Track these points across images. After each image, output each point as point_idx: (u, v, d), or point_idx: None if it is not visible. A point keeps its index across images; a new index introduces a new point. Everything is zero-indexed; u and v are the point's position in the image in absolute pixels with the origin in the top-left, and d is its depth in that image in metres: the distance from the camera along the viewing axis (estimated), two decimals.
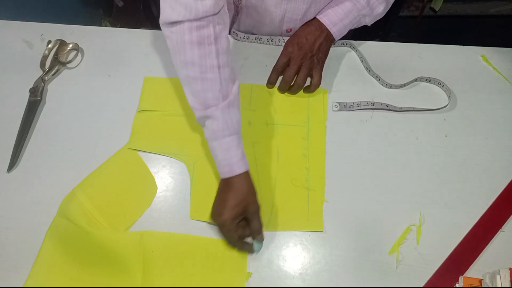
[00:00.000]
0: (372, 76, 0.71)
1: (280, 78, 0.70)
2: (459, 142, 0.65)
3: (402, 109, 0.67)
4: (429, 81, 0.70)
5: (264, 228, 0.58)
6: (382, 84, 0.70)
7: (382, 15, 0.69)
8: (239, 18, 0.74)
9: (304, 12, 0.69)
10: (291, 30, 0.74)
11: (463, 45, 0.74)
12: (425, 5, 1.44)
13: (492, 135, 0.66)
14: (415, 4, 1.55)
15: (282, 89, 0.68)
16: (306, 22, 0.68)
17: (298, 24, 0.73)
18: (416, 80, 0.70)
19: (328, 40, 0.67)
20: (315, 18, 0.67)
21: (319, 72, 0.66)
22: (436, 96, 0.70)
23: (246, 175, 0.56)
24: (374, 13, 0.68)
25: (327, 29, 0.66)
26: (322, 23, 0.66)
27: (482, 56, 0.73)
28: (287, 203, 0.61)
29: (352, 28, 0.69)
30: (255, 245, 0.56)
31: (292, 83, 0.68)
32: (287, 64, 0.67)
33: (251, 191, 0.56)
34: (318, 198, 0.61)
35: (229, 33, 0.78)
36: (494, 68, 0.72)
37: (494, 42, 0.76)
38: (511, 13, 1.47)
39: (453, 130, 0.66)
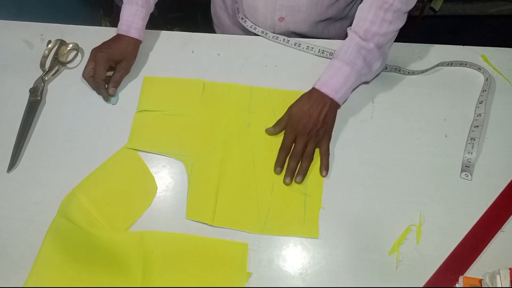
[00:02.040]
0: (391, 71, 0.71)
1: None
2: (459, 142, 0.65)
3: (414, 73, 0.69)
4: (451, 64, 0.71)
5: (259, 232, 0.59)
6: (404, 73, 0.71)
7: (380, 71, 0.69)
8: None
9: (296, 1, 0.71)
10: (283, 19, 0.75)
11: (463, 45, 0.74)
12: (425, 5, 1.44)
13: (492, 135, 0.66)
14: (415, 4, 1.55)
15: (291, 167, 0.62)
16: (306, 94, 0.65)
17: (291, 14, 0.75)
18: (438, 65, 0.71)
19: (333, 108, 0.64)
20: (314, 89, 0.64)
21: (326, 143, 0.64)
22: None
23: (136, 42, 0.71)
24: (372, 71, 0.66)
25: (330, 98, 0.63)
26: (323, 93, 0.63)
27: (482, 56, 0.73)
28: (283, 207, 0.61)
29: (355, 88, 0.68)
30: (110, 98, 0.70)
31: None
32: (293, 142, 0.64)
33: (132, 55, 0.71)
34: (314, 205, 0.61)
35: (238, 19, 0.80)
36: (494, 68, 0.72)
37: (494, 42, 0.76)
38: (511, 13, 1.47)
39: (453, 130, 0.66)
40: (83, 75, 0.69)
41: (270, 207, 0.61)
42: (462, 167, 0.63)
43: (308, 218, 0.60)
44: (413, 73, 0.71)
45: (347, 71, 0.63)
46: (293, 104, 0.65)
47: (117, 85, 0.70)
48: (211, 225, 0.59)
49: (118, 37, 0.71)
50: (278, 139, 0.65)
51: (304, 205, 0.61)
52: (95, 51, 0.69)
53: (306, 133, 0.63)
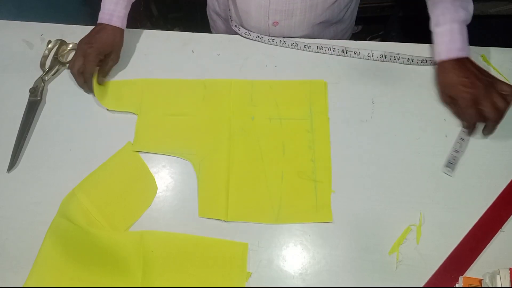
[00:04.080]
0: (389, 61, 0.72)
1: None
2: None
3: (413, 60, 0.69)
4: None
5: (274, 222, 0.59)
6: (403, 62, 0.71)
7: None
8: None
9: (289, 3, 0.71)
10: (277, 23, 0.75)
11: None
12: (425, 5, 1.44)
13: (492, 135, 0.65)
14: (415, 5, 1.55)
15: (491, 130, 0.63)
16: (442, 70, 0.65)
17: (285, 19, 0.75)
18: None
19: (471, 61, 0.64)
20: (448, 60, 0.64)
21: (504, 82, 0.62)
22: None
23: (121, 31, 0.71)
24: (469, 12, 0.66)
25: (465, 57, 0.64)
26: (459, 57, 0.64)
27: (482, 56, 0.73)
28: (295, 196, 0.61)
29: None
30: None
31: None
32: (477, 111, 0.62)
33: (120, 44, 0.72)
34: (325, 189, 0.61)
35: (231, 27, 0.79)
36: (494, 68, 0.72)
37: (494, 42, 0.76)
38: (511, 13, 1.47)
39: (453, 130, 0.66)
40: (72, 70, 0.69)
41: (282, 197, 0.61)
42: (446, 162, 0.63)
43: (320, 204, 0.60)
44: (412, 60, 0.71)
45: (457, 28, 0.64)
46: (444, 88, 0.65)
47: (106, 75, 0.71)
48: (212, 225, 0.59)
49: (101, 27, 0.70)
50: (283, 130, 0.66)
51: (315, 191, 0.61)
52: (85, 47, 0.68)
53: (482, 91, 0.60)
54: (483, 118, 0.62)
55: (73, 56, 0.70)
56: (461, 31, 0.64)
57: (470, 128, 0.64)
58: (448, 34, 0.65)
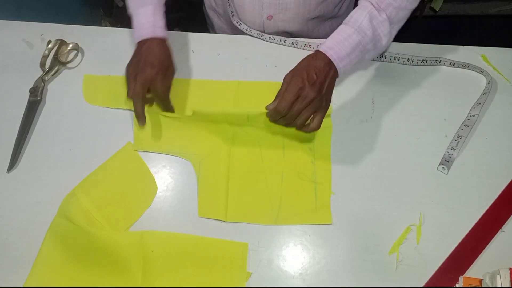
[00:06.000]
0: (389, 61, 0.72)
1: None
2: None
3: (413, 61, 0.69)
4: (453, 64, 0.71)
5: (273, 223, 0.59)
6: (403, 62, 0.71)
7: (384, 50, 0.64)
8: None
9: None
10: (272, 17, 0.75)
11: (463, 45, 0.74)
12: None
13: (492, 135, 0.66)
14: None
15: (276, 121, 0.60)
16: (311, 55, 0.59)
17: (279, 12, 0.75)
18: (440, 60, 0.71)
19: (334, 77, 0.59)
20: (319, 52, 0.59)
21: (322, 116, 0.58)
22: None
23: (165, 40, 0.65)
24: (377, 48, 0.62)
25: (334, 65, 0.58)
26: (328, 58, 0.58)
27: (482, 56, 0.73)
28: (294, 197, 0.61)
29: (354, 64, 0.61)
30: None
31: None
32: (292, 103, 0.57)
33: (170, 52, 0.65)
34: (325, 191, 0.61)
35: (233, 22, 0.79)
36: (494, 68, 0.72)
37: (494, 42, 0.76)
38: (511, 13, 1.47)
39: (453, 130, 0.66)
40: (137, 97, 0.60)
41: (282, 198, 0.61)
42: (441, 160, 0.63)
43: (320, 205, 0.60)
44: (412, 60, 0.71)
45: (356, 40, 0.58)
46: (295, 67, 0.59)
47: (170, 90, 0.65)
48: (212, 225, 0.59)
49: (147, 44, 0.62)
50: (284, 130, 0.66)
51: (315, 193, 0.61)
52: (146, 71, 0.60)
53: (311, 96, 0.56)
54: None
55: (131, 87, 0.61)
56: (355, 47, 0.59)
57: (277, 111, 0.57)
58: (344, 37, 0.59)
